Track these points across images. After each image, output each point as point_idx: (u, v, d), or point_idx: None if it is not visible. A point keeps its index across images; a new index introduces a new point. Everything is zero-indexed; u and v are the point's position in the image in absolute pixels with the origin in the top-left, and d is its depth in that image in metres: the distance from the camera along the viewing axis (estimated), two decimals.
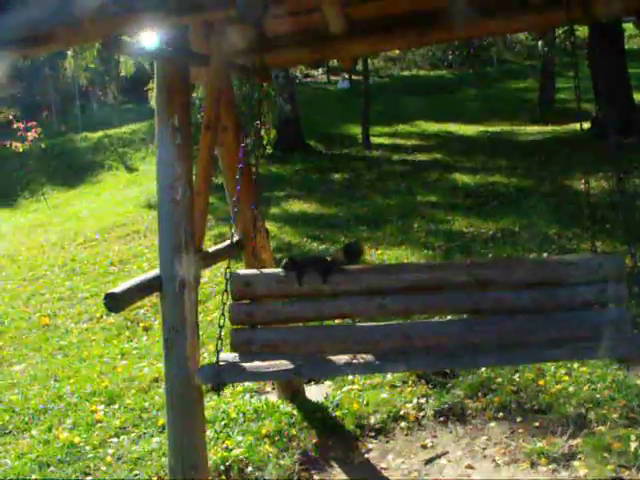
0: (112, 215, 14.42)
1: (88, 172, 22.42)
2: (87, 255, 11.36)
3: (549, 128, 19.05)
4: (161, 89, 3.85)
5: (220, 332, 3.74)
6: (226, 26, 4.32)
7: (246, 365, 3.69)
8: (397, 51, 36.90)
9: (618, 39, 16.39)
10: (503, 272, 3.93)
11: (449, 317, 4.90)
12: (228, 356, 3.85)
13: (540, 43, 20.14)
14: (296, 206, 13.25)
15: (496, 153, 15.95)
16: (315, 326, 4.35)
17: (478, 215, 10.75)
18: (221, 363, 3.72)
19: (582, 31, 18.77)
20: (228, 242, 5.18)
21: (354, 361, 3.57)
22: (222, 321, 3.78)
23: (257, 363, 3.68)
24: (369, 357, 3.61)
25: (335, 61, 36.18)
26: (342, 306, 3.98)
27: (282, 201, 13.72)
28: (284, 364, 3.64)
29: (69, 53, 22.28)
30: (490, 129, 20.34)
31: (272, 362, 3.67)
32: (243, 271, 4.26)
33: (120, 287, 3.76)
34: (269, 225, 4.72)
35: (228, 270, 3.93)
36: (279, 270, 4.11)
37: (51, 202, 18.94)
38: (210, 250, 4.86)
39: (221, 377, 3.67)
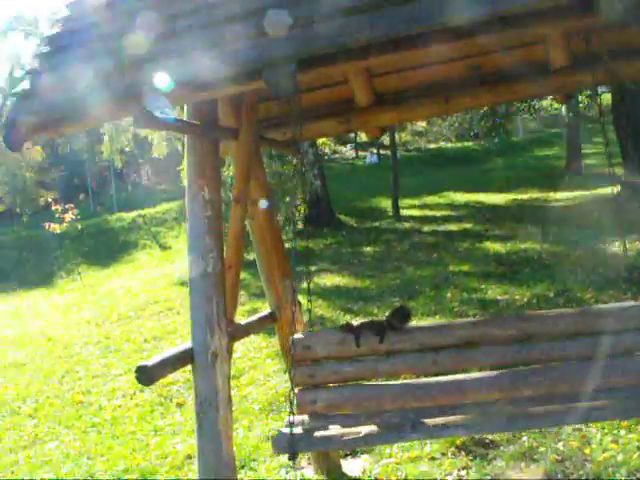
0: (146, 293, 14.57)
1: (122, 251, 22.83)
2: (121, 332, 11.43)
3: (578, 193, 18.97)
4: (191, 162, 3.95)
5: (291, 397, 3.83)
6: (255, 100, 4.44)
7: (319, 434, 3.78)
8: (424, 124, 37.56)
9: None
10: (547, 324, 4.02)
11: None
12: (297, 419, 3.90)
13: (564, 108, 20.33)
14: (328, 280, 13.27)
15: (526, 220, 15.87)
16: (374, 384, 4.44)
17: (511, 282, 10.63)
18: (295, 431, 3.75)
19: (605, 99, 18.95)
20: (260, 315, 5.20)
21: (417, 426, 3.67)
22: (292, 396, 3.86)
23: (329, 432, 3.80)
24: (429, 422, 3.69)
25: (363, 134, 36.90)
26: (397, 364, 4.14)
27: (314, 275, 13.73)
28: (354, 432, 3.72)
29: (105, 137, 23.12)
30: (519, 197, 20.32)
31: (342, 430, 3.77)
32: (303, 335, 4.36)
33: (152, 360, 3.76)
34: (301, 299, 4.82)
35: (293, 333, 4.08)
36: (337, 333, 4.27)
37: (86, 281, 19.24)
38: (242, 322, 4.86)
39: (296, 446, 3.70)
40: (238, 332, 4.65)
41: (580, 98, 21.34)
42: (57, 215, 20.04)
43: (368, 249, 16.01)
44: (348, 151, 39.27)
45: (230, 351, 4.26)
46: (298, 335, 4.22)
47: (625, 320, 3.87)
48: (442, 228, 17.17)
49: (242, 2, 3.09)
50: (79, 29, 3.53)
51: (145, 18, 3.08)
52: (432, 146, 36.74)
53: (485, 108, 18.82)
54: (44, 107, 3.16)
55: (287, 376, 5.29)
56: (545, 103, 25.81)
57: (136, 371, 3.64)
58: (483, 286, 10.67)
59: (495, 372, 4.07)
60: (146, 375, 3.65)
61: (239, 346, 9.14)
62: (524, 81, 4.56)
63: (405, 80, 4.95)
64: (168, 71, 2.83)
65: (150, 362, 3.71)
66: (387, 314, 4.35)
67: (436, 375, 4.26)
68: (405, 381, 4.30)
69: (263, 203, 4.67)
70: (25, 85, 3.26)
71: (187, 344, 4.07)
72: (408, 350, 4.10)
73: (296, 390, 4.04)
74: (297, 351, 4.11)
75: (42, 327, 13.18)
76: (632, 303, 4.07)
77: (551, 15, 2.80)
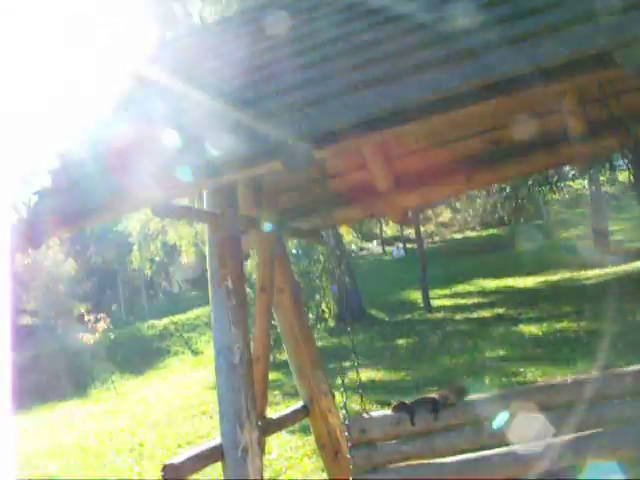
0: (179, 398, 14.42)
1: (155, 358, 22.79)
2: (155, 438, 11.22)
3: (609, 270, 18.66)
4: (213, 252, 3.92)
5: None
6: (275, 188, 4.48)
7: None
8: (449, 214, 37.78)
9: None
10: (603, 386, 3.90)
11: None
12: None
13: (587, 184, 20.25)
14: (363, 374, 12.98)
15: (560, 300, 15.60)
16: (433, 462, 4.23)
17: (551, 363, 10.33)
18: None
19: (623, 175, 18.94)
20: (293, 408, 5.06)
21: None
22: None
23: None
24: None
25: (389, 229, 37.05)
26: (454, 439, 4.06)
27: (348, 371, 13.52)
28: None
29: (135, 247, 23.59)
30: (550, 278, 20.07)
31: None
32: (358, 418, 4.30)
33: (180, 457, 3.64)
34: (337, 395, 4.76)
35: (345, 419, 4.14)
36: (390, 413, 4.23)
37: (120, 389, 19.14)
38: (274, 417, 4.74)
39: None
40: (270, 426, 4.52)
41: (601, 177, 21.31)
42: (90, 325, 20.22)
43: (401, 342, 15.85)
44: (375, 247, 39.46)
45: (262, 446, 4.12)
46: (353, 418, 4.22)
47: None
48: (475, 315, 16.96)
49: (254, 88, 3.18)
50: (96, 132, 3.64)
51: (158, 110, 3.19)
52: (458, 236, 36.77)
53: (508, 190, 18.86)
54: (64, 203, 3.20)
55: (325, 474, 5.12)
56: (570, 182, 25.84)
57: (163, 470, 3.50)
58: (522, 369, 10.37)
59: (556, 440, 3.89)
60: (173, 473, 3.51)
61: (275, 447, 8.89)
62: (543, 152, 4.53)
63: (424, 161, 4.93)
64: (183, 157, 2.87)
65: (178, 459, 3.58)
66: (441, 390, 4.28)
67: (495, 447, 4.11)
68: (464, 456, 4.12)
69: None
70: (46, 183, 3.33)
71: (216, 440, 3.94)
72: (464, 424, 4.05)
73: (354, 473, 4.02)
74: (353, 435, 4.12)
75: (76, 437, 13.01)
76: None
77: (569, 70, 2.76)
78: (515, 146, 4.64)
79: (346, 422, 4.15)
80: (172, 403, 14.06)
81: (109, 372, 21.17)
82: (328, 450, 4.99)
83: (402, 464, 4.12)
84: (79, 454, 11.40)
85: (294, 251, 18.46)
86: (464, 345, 13.66)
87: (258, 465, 3.91)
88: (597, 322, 12.46)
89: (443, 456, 4.25)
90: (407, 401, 4.26)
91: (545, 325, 13.33)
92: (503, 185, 18.34)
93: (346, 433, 4.16)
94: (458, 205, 31.12)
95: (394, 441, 4.17)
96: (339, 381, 11.81)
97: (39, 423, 16.34)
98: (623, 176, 19.45)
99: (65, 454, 11.63)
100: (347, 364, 14.52)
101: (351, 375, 13.71)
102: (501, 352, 12.17)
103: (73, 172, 3.27)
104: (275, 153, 2.77)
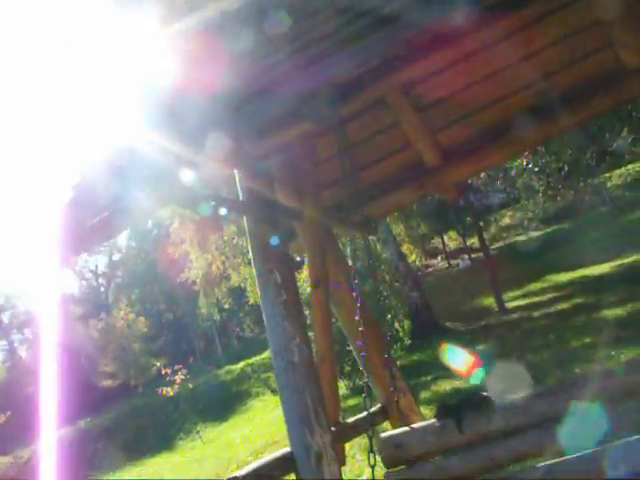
0: (264, 437, 14.19)
1: (236, 402, 22.71)
2: None
3: None
4: (255, 247, 3.67)
5: None
6: (316, 180, 4.20)
7: None
8: (509, 219, 36.87)
9: None
10: None
11: None
12: None
13: None
14: (448, 385, 12.67)
15: None
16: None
17: None
18: None
19: None
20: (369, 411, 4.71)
21: None
22: None
23: None
24: None
25: (451, 243, 36.36)
26: (516, 445, 3.17)
27: (431, 384, 13.23)
28: None
29: (200, 293, 23.78)
30: (624, 262, 19.13)
31: None
32: (391, 432, 3.54)
33: (244, 469, 3.33)
34: (422, 410, 4.26)
35: (370, 431, 3.40)
36: (432, 421, 3.37)
37: (206, 437, 19.06)
38: (349, 421, 4.42)
39: None
40: (346, 432, 4.21)
41: None
42: (168, 379, 20.29)
43: (481, 347, 15.31)
44: (440, 263, 38.79)
45: (340, 455, 3.81)
46: (385, 433, 3.47)
47: None
48: (552, 309, 16.29)
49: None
50: None
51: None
52: (522, 238, 35.72)
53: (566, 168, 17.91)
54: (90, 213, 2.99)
55: None
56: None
57: None
58: (613, 353, 9.74)
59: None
60: None
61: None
62: (599, 93, 4.15)
63: (470, 128, 4.64)
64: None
65: (241, 472, 3.29)
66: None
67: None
68: (535, 466, 3.17)
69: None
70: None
71: (286, 449, 3.64)
72: (527, 425, 3.16)
73: None
74: (386, 453, 3.30)
75: None
76: None
77: None
78: (567, 94, 4.27)
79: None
80: (257, 442, 13.84)
81: (193, 422, 21.17)
82: None
83: None
84: None
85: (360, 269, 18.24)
86: (546, 340, 13.04)
87: (335, 473, 3.57)
88: None
89: (501, 469, 3.29)
90: (451, 403, 3.40)
91: (629, 306, 12.61)
92: (561, 165, 17.45)
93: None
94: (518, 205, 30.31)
95: (440, 455, 3.31)
96: (423, 395, 11.27)
97: None
98: None
99: None
100: (428, 378, 14.13)
101: (434, 388, 13.25)
102: (587, 340, 11.52)
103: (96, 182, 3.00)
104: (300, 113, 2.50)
